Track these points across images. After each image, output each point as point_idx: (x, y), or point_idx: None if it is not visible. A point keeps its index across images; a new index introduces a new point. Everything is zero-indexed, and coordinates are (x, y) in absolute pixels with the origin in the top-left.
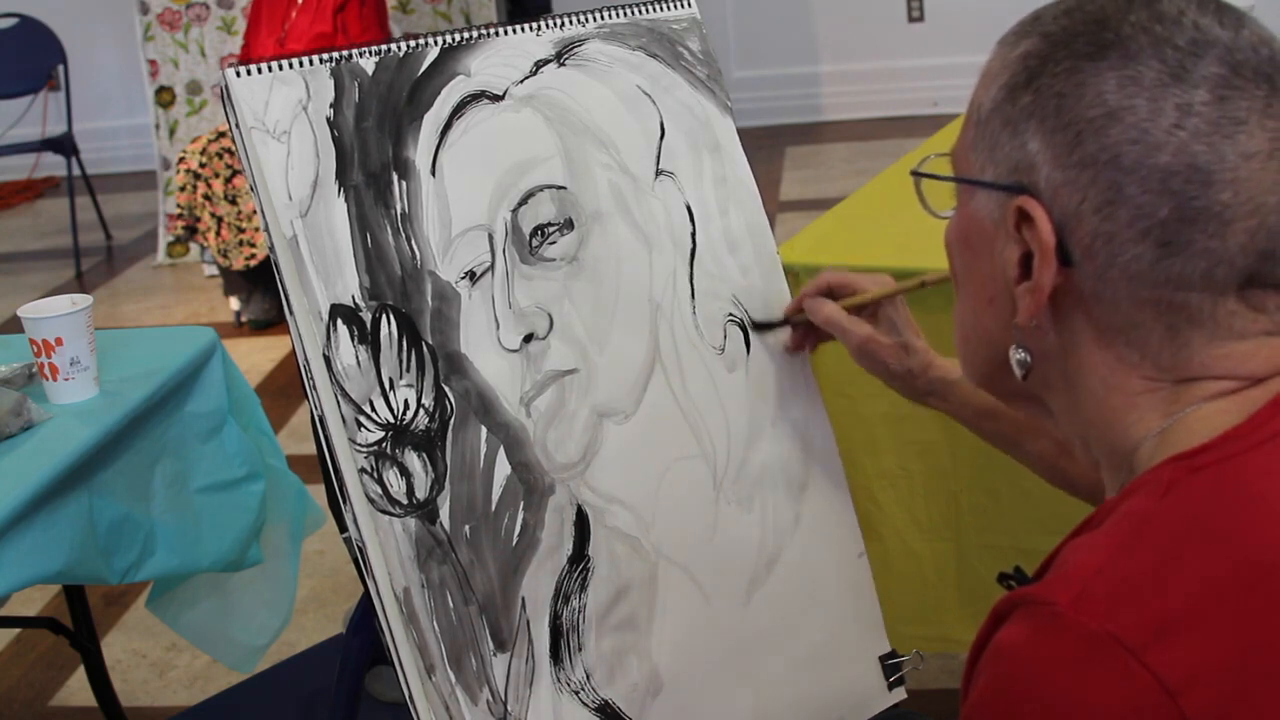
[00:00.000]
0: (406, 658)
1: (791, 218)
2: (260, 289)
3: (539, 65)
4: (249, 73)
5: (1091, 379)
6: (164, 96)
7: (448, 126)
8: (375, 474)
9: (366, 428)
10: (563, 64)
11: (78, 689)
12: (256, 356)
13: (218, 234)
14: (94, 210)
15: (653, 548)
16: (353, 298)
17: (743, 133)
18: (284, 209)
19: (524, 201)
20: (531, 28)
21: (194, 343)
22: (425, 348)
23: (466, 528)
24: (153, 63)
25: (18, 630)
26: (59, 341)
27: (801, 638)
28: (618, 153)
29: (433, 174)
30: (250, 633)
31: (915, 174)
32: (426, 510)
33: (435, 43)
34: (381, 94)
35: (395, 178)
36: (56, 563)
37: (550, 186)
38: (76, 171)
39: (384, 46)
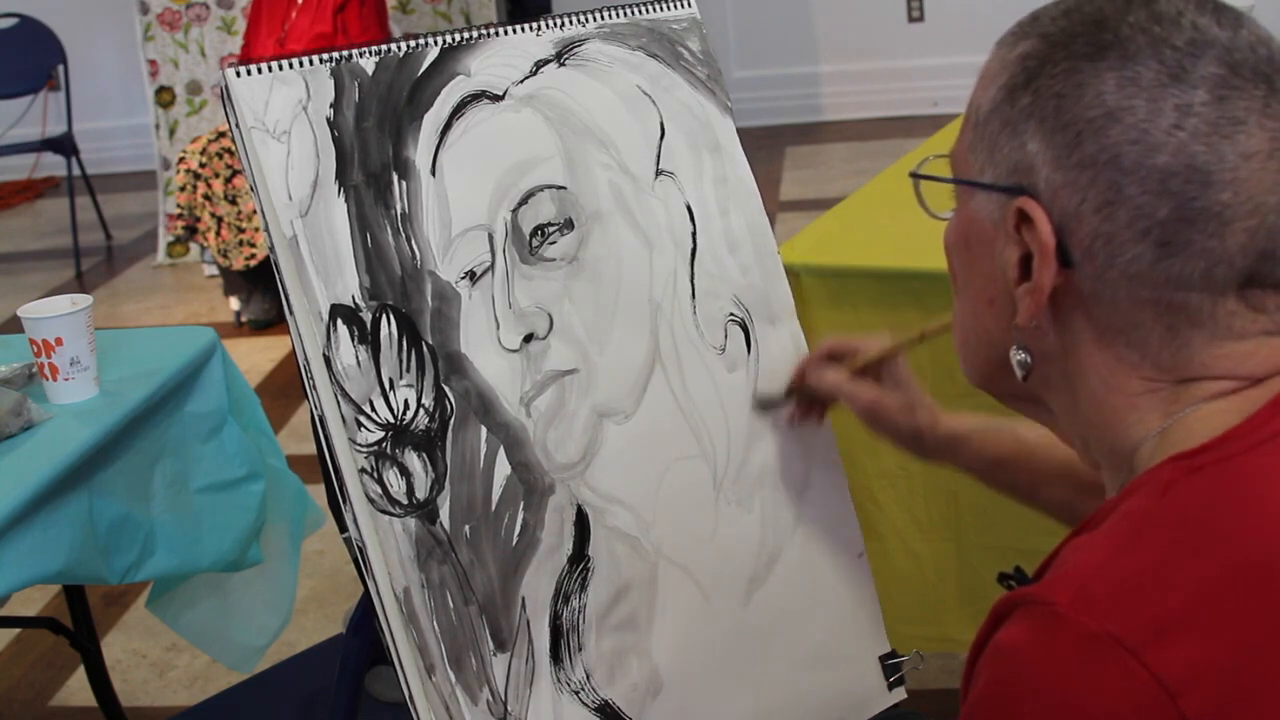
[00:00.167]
0: (406, 658)
1: (791, 218)
2: (260, 289)
3: (539, 65)
4: (249, 73)
5: (1092, 379)
6: (164, 96)
7: (448, 126)
8: (375, 474)
9: (366, 428)
10: (563, 64)
11: (78, 689)
12: (256, 356)
13: (218, 234)
14: (94, 210)
15: (653, 548)
16: (353, 298)
17: (743, 133)
18: (284, 209)
19: (524, 201)
20: (531, 28)
21: (194, 343)
22: (425, 348)
23: (466, 528)
24: (153, 63)
25: (18, 630)
26: (59, 341)
27: (801, 638)
28: (618, 153)
29: (433, 174)
30: (250, 633)
31: (914, 175)
32: (426, 510)
33: (435, 43)
34: (381, 94)
35: (395, 178)
36: (56, 563)
37: (550, 186)
38: (76, 171)
39: (384, 46)
